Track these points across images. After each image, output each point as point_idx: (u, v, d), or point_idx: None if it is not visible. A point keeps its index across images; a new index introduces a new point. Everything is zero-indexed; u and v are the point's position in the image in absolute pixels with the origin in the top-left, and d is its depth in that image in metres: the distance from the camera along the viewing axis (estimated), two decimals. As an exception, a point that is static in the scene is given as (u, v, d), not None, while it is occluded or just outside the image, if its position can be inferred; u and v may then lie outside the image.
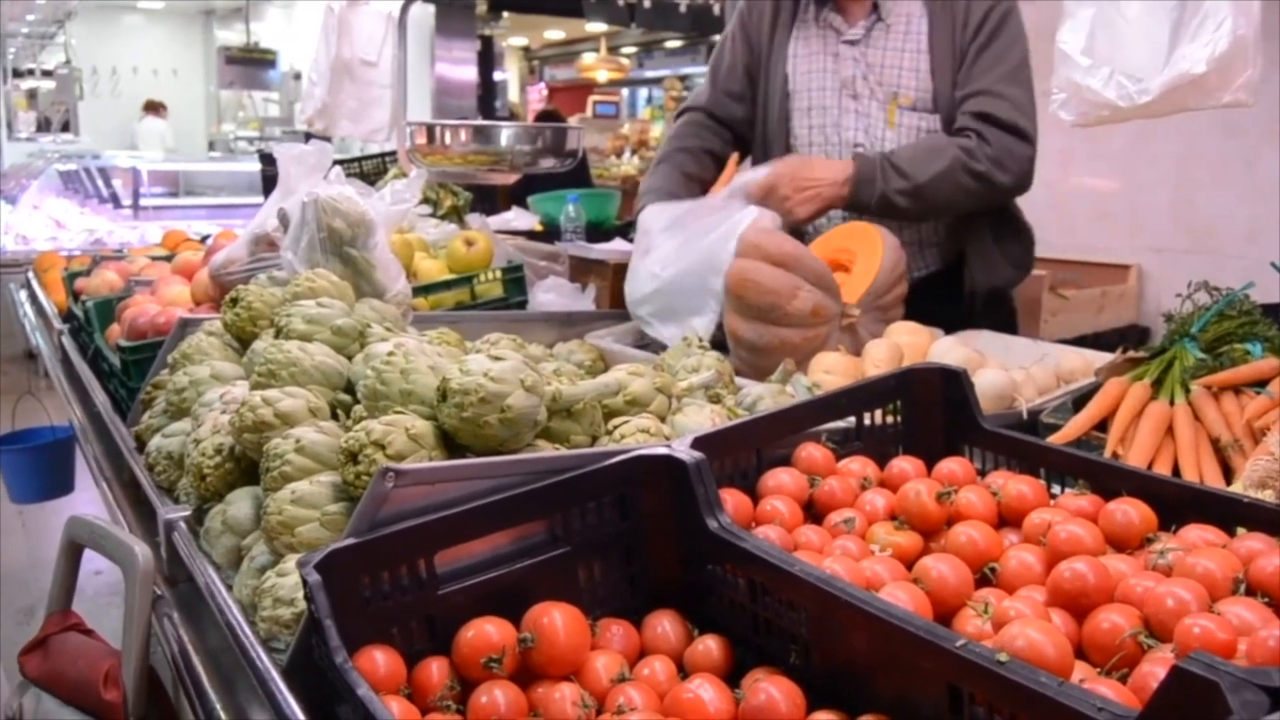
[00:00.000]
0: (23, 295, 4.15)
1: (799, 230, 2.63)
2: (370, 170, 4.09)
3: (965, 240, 2.63)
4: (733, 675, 1.17)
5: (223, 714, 1.29)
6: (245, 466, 1.55)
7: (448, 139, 2.99)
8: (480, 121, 4.17)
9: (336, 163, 4.10)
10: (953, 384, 1.55)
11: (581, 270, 3.09)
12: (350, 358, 1.69)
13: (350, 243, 2.06)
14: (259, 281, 2.03)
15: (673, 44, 14.81)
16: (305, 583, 1.08)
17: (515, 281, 2.83)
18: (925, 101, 2.56)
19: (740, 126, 2.90)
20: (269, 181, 4.27)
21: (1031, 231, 2.78)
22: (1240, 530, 1.20)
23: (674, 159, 2.88)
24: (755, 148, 2.88)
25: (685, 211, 2.42)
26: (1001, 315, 2.72)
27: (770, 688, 1.08)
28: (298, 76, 13.53)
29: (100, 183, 8.47)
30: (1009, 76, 2.46)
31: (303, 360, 1.61)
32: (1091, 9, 1.98)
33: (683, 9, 9.17)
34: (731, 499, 1.36)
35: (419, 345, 1.52)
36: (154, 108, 15.05)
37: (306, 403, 1.51)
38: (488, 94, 10.87)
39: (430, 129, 3.04)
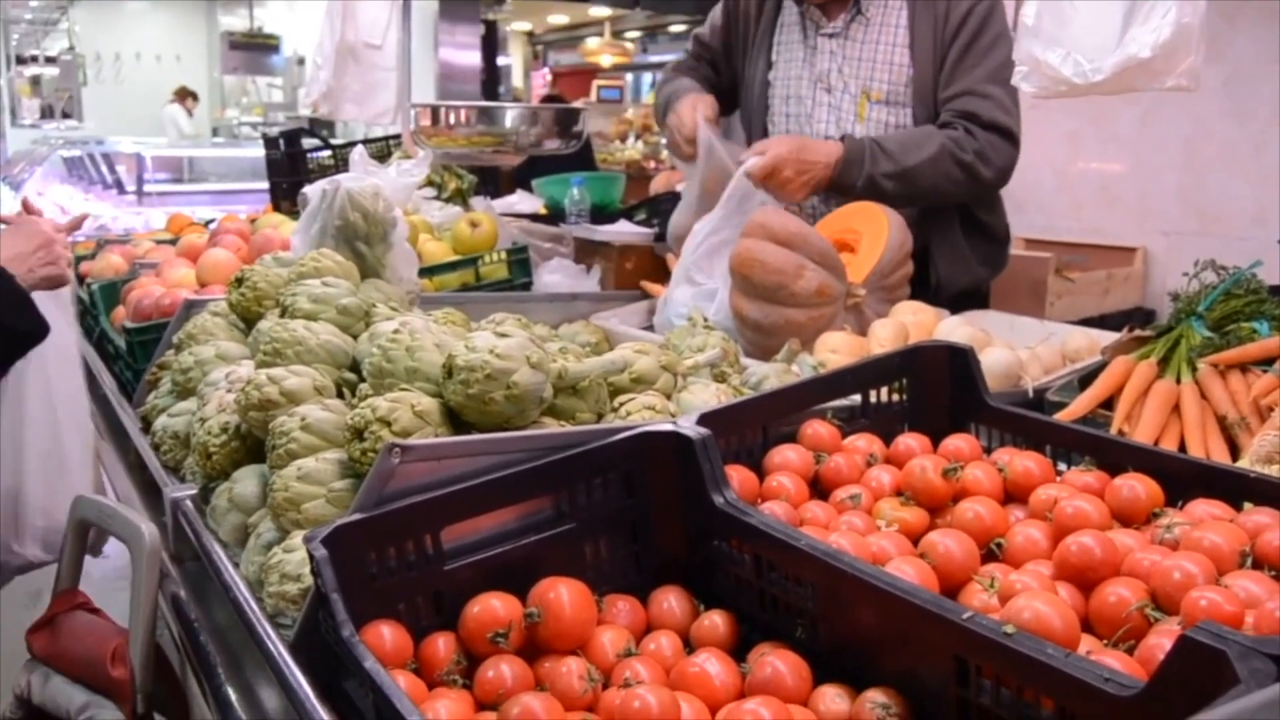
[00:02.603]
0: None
1: (802, 209, 2.64)
2: (375, 154, 4.07)
3: (930, 235, 2.62)
4: (739, 651, 1.17)
5: (230, 690, 1.29)
6: (251, 445, 1.55)
7: (453, 120, 2.98)
8: (485, 103, 4.16)
9: (338, 146, 4.11)
10: (959, 361, 1.55)
11: (586, 252, 3.09)
12: (355, 337, 1.69)
13: (364, 239, 2.05)
14: (264, 262, 2.03)
15: (677, 28, 14.74)
16: (312, 557, 1.08)
17: (520, 263, 2.83)
18: (897, 95, 2.57)
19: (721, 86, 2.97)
20: (273, 166, 4.25)
21: (1008, 229, 2.77)
22: (1247, 505, 1.20)
23: (681, 78, 2.94)
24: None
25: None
26: (972, 305, 2.67)
27: (776, 661, 1.08)
28: (301, 62, 13.51)
29: (104, 169, 8.46)
30: (992, 76, 2.47)
31: (308, 339, 1.61)
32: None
33: (687, -8, 9.13)
34: (737, 475, 1.36)
35: (424, 324, 1.52)
36: (183, 96, 15.00)
37: (312, 381, 1.51)
38: (491, 79, 10.85)
39: (435, 110, 3.03)
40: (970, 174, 2.45)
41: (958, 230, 2.62)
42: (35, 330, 1.85)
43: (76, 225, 2.03)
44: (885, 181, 2.43)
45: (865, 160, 2.43)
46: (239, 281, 1.94)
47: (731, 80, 2.94)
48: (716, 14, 2.95)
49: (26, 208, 2.08)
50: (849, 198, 2.50)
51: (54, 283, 1.96)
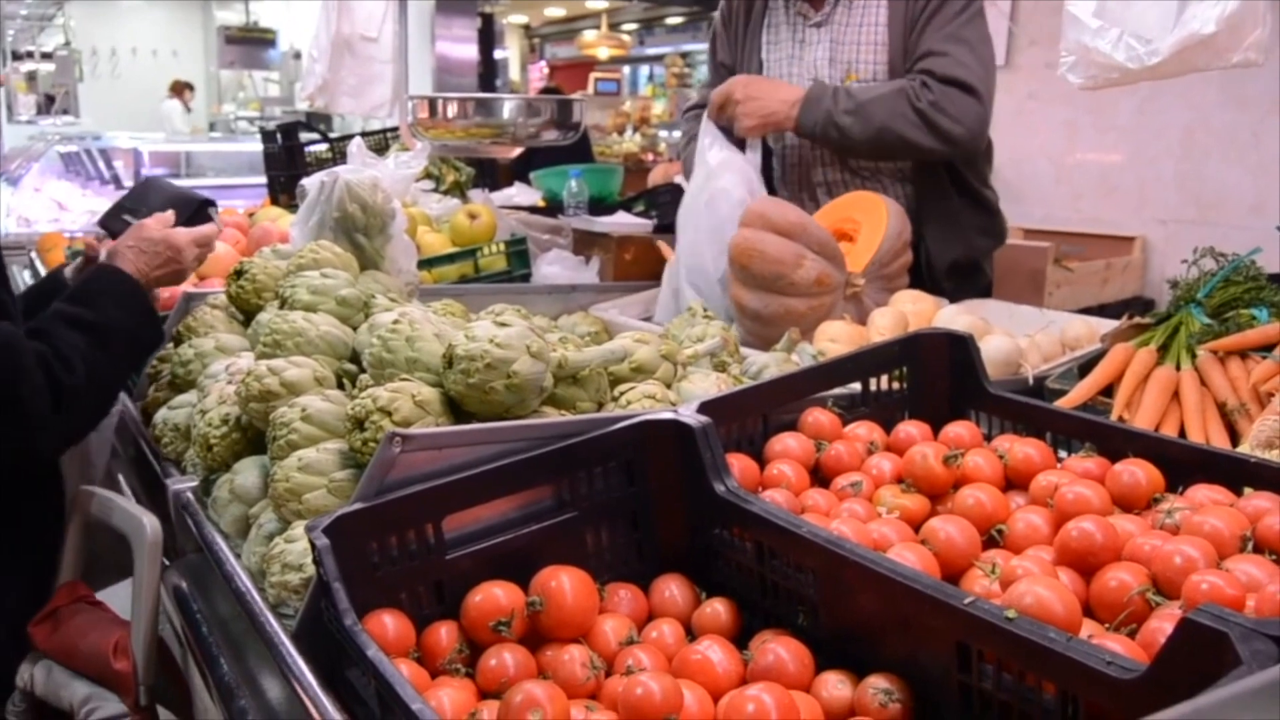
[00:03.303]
0: (26, 276, 4.15)
1: (803, 200, 2.64)
2: (373, 146, 4.07)
3: (927, 207, 2.61)
4: (740, 638, 1.17)
5: (234, 680, 1.30)
6: (251, 436, 1.55)
7: (450, 112, 2.97)
8: (483, 94, 4.15)
9: (335, 140, 4.10)
10: (959, 349, 1.55)
11: (585, 243, 3.08)
12: (355, 328, 1.69)
13: (363, 230, 2.05)
14: (263, 255, 2.03)
15: (674, 20, 14.72)
16: (314, 546, 1.08)
17: (519, 254, 2.83)
18: (880, 75, 2.58)
19: None
20: (271, 160, 4.25)
21: (997, 204, 2.76)
22: (1247, 490, 1.20)
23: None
24: None
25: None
26: (975, 290, 2.68)
27: (778, 648, 1.08)
28: (298, 56, 13.48)
29: (101, 164, 8.44)
30: (951, 36, 2.48)
31: (308, 330, 1.61)
32: (1101, -28, 1.98)
33: (684, -17, 9.11)
34: (738, 463, 1.36)
35: (424, 314, 1.52)
36: (179, 89, 14.98)
37: (312, 372, 1.51)
38: (488, 72, 10.81)
39: (432, 102, 3.02)
40: (927, 121, 2.42)
41: (952, 198, 2.62)
42: (158, 339, 1.94)
43: (205, 240, 2.06)
44: (844, 118, 2.43)
45: (825, 99, 2.45)
46: (238, 274, 1.94)
47: None
48: (717, 24, 2.93)
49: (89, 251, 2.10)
50: (812, 140, 2.55)
51: (177, 278, 2.03)
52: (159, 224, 2.00)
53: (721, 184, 2.42)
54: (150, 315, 1.91)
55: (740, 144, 2.58)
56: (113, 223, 2.21)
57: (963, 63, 2.46)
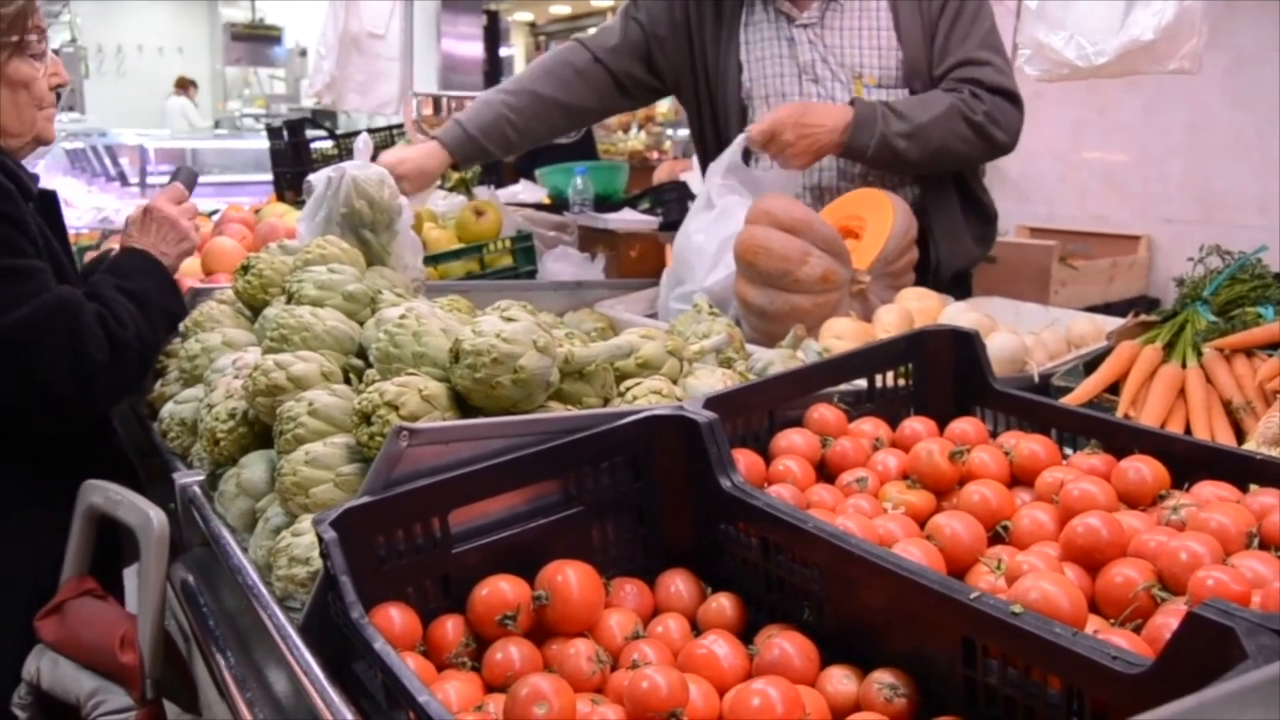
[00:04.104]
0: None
1: (810, 196, 2.63)
2: (378, 143, 4.08)
3: (931, 214, 2.60)
4: (745, 633, 1.17)
5: (240, 673, 1.30)
6: (258, 430, 1.56)
7: (455, 109, 2.97)
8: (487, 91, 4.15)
9: (341, 137, 4.11)
10: (965, 346, 1.55)
11: (591, 240, 3.09)
12: (361, 323, 1.69)
13: (369, 226, 2.05)
14: (269, 250, 2.03)
15: (679, 18, 14.75)
16: (321, 539, 1.09)
17: (525, 251, 2.83)
18: (891, 78, 2.55)
19: (627, 82, 2.80)
20: (277, 156, 4.25)
21: (995, 209, 2.76)
22: (1253, 487, 1.20)
23: (515, 99, 2.73)
24: (703, 141, 2.81)
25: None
26: (963, 294, 2.64)
27: (784, 643, 1.08)
28: (303, 53, 13.50)
29: (107, 161, 8.46)
30: (984, 43, 2.48)
31: (314, 325, 1.62)
32: (1054, -28, 2.03)
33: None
34: (744, 459, 1.36)
35: (430, 309, 1.52)
36: (184, 85, 14.99)
37: (319, 366, 1.52)
38: (494, 70, 10.83)
39: (437, 99, 3.03)
40: (982, 135, 2.44)
41: (957, 208, 2.61)
42: (184, 312, 2.06)
43: (181, 199, 2.20)
44: (899, 141, 2.41)
45: (878, 121, 2.41)
46: (245, 269, 1.95)
47: (661, 76, 2.80)
48: (674, 7, 2.75)
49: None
50: (862, 162, 2.51)
51: (189, 254, 2.18)
52: (162, 201, 2.14)
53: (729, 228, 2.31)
54: (175, 290, 2.06)
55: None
56: None
57: (1005, 71, 2.48)
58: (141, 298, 1.90)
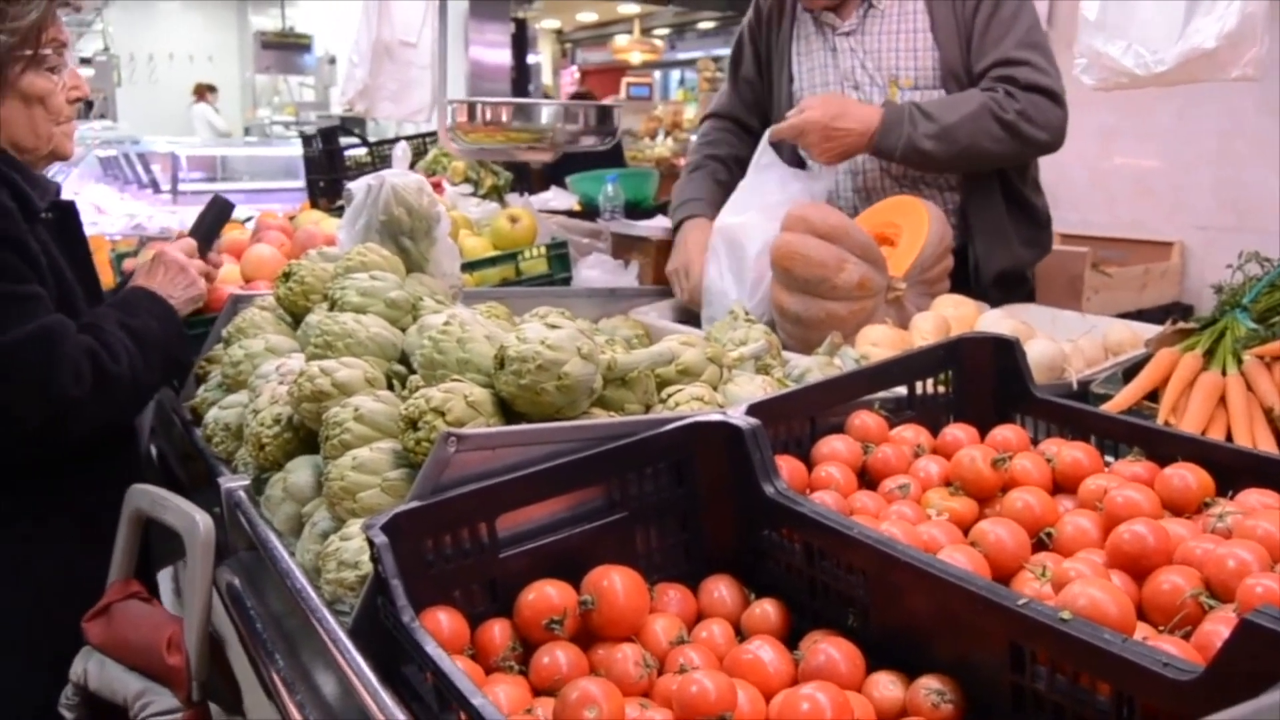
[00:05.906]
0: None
1: (857, 198, 2.66)
2: (413, 151, 4.11)
3: (971, 211, 2.61)
4: (789, 640, 1.17)
5: (289, 676, 1.32)
6: (303, 436, 1.58)
7: (489, 116, 2.99)
8: (522, 99, 4.18)
9: (375, 144, 4.14)
10: (1004, 353, 1.55)
11: (624, 247, 3.10)
12: (403, 330, 1.71)
13: (408, 234, 2.07)
14: (310, 257, 2.06)
15: (706, 25, 14.72)
16: (371, 544, 1.10)
17: (560, 258, 2.84)
18: (927, 80, 2.57)
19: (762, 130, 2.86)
20: (311, 163, 4.29)
21: (1048, 212, 2.75)
22: (1299, 494, 1.20)
23: (707, 166, 2.91)
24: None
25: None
26: (1019, 298, 2.64)
27: (830, 648, 1.09)
28: (333, 61, 13.59)
29: (140, 168, 8.54)
30: (1022, 42, 2.47)
31: (358, 332, 1.63)
32: (1113, -19, 2.02)
33: (717, -12, 9.12)
34: (786, 465, 1.37)
35: (473, 316, 1.54)
36: (200, 92, 15.13)
37: (363, 373, 1.53)
38: (521, 77, 10.85)
39: (471, 107, 3.05)
40: (1015, 133, 2.42)
41: (1001, 210, 2.61)
42: (187, 365, 2.10)
43: (192, 252, 2.20)
44: (925, 142, 2.42)
45: (904, 123, 2.43)
46: (286, 276, 1.97)
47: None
48: (745, 37, 2.91)
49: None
50: (891, 161, 2.53)
51: (197, 302, 2.16)
52: (172, 249, 2.14)
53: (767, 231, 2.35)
54: (182, 336, 2.04)
55: (801, 161, 2.60)
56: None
57: (1044, 69, 2.47)
58: (141, 334, 1.88)
